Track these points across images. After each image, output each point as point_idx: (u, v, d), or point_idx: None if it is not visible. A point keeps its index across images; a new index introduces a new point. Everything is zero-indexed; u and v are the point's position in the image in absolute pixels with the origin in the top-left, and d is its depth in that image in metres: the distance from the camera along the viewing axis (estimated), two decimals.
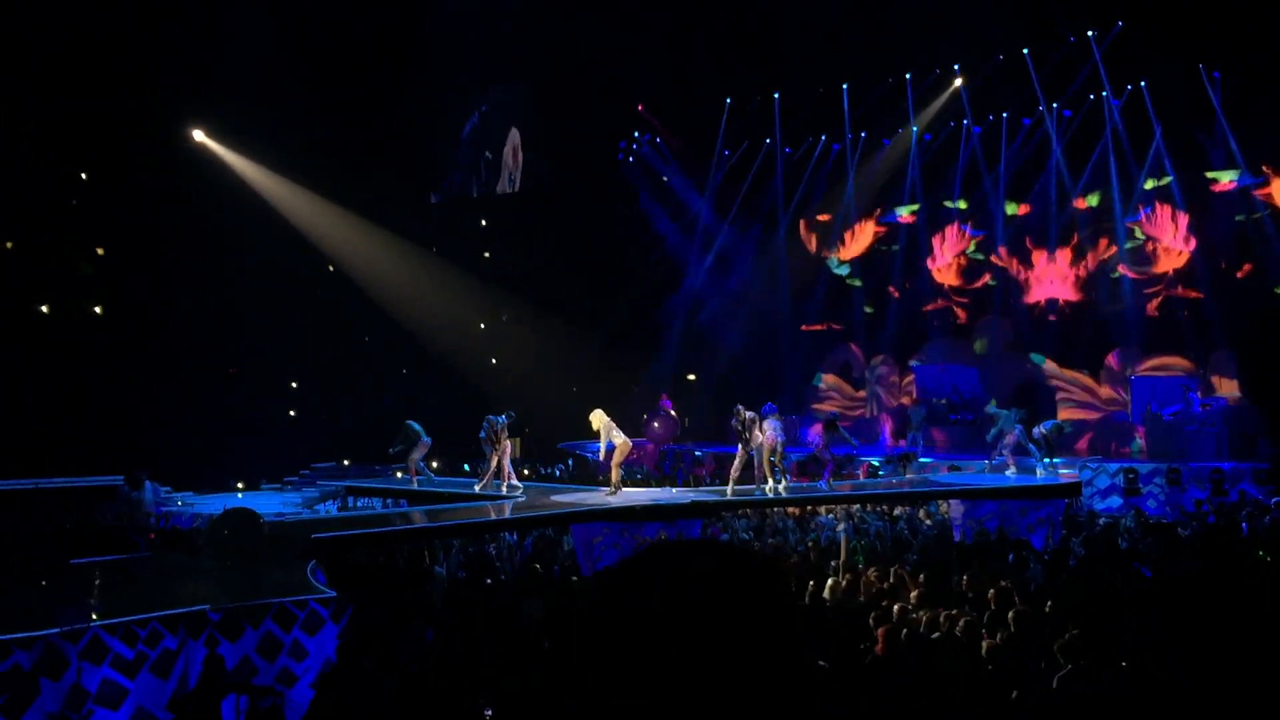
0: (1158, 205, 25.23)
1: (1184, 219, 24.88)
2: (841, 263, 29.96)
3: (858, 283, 29.85)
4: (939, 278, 28.58)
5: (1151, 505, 19.41)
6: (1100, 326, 25.99)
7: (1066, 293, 26.62)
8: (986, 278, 27.97)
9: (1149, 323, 25.08)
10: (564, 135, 27.76)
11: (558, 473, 19.33)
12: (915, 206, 28.86)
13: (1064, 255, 26.67)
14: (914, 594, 9.99)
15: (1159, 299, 25.11)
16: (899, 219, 29.14)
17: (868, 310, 29.56)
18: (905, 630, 8.30)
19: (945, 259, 28.52)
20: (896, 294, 29.34)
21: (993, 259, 27.80)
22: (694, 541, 1.39)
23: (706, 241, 31.54)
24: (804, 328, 30.19)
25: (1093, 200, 26.22)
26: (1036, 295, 27.08)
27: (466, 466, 22.84)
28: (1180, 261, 24.94)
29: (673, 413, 26.39)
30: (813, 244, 30.47)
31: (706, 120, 29.83)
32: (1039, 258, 27.03)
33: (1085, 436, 24.63)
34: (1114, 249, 25.96)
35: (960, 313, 28.43)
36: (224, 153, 24.84)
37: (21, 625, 8.00)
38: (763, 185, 30.49)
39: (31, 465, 19.33)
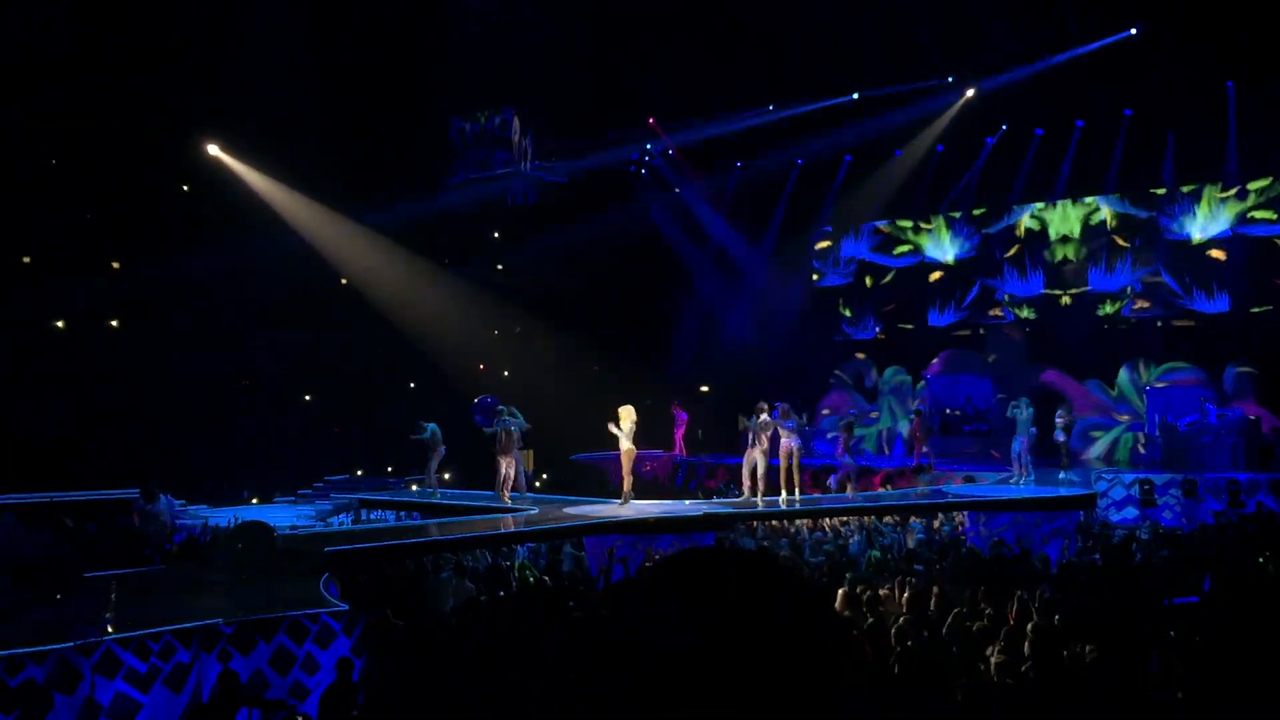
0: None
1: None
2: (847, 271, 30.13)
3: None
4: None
5: (1167, 517, 19.33)
6: (1115, 337, 25.73)
7: (1081, 303, 26.43)
8: (998, 289, 27.83)
9: (1165, 333, 24.80)
10: (576, 147, 27.74)
11: None
12: (933, 219, 28.84)
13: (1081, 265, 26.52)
14: (932, 604, 9.94)
15: (1175, 310, 24.82)
16: (913, 230, 29.20)
17: (879, 335, 29.69)
18: (913, 642, 8.26)
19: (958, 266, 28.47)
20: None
21: (1007, 268, 27.64)
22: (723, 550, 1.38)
23: (719, 253, 31.51)
24: (816, 339, 30.14)
25: (1107, 209, 25.98)
26: (1050, 305, 26.95)
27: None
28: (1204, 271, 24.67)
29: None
30: (824, 254, 30.55)
31: (719, 132, 29.71)
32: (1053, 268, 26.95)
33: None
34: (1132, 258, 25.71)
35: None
36: (238, 166, 24.93)
37: (35, 639, 8.05)
38: (776, 197, 30.47)
39: (45, 478, 19.41)
